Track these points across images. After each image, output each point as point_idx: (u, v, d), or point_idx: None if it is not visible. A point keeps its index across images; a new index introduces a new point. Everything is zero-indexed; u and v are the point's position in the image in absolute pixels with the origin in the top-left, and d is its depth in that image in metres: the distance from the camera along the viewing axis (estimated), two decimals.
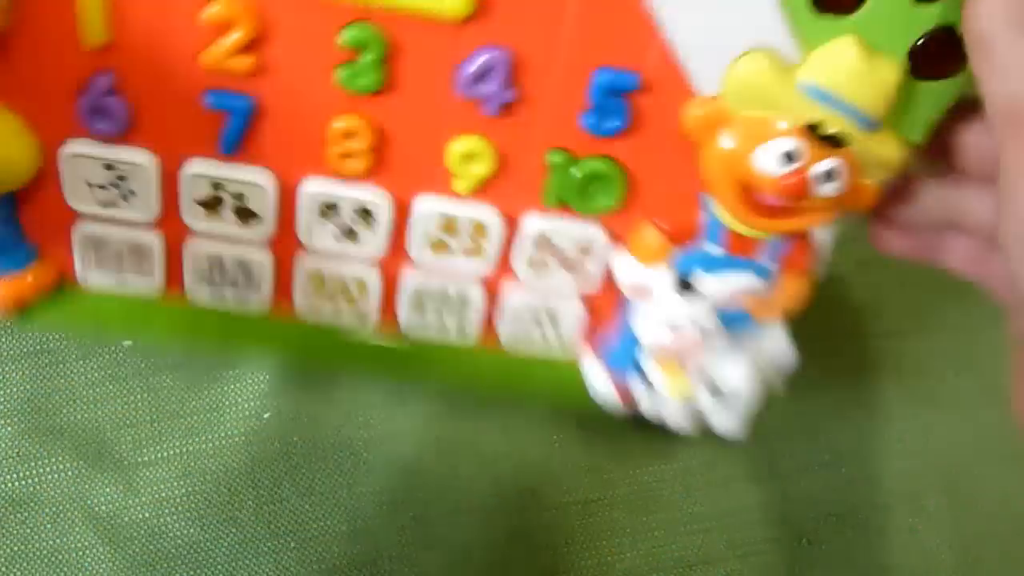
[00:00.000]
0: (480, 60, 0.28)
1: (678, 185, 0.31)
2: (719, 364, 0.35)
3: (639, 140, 0.30)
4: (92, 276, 0.34)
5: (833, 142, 0.28)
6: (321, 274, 0.34)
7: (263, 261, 0.33)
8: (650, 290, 0.33)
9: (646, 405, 0.36)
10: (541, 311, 0.35)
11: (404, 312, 0.35)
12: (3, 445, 0.38)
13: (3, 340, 0.44)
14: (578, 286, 0.34)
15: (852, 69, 0.27)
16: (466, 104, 0.29)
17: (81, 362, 0.44)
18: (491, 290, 0.34)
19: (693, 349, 0.34)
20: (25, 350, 0.44)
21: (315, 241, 0.33)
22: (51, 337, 0.46)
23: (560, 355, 0.36)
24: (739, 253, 0.32)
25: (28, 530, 0.38)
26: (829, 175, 0.29)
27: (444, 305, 0.35)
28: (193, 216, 0.32)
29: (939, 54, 0.28)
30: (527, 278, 0.34)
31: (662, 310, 0.33)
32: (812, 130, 0.28)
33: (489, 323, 0.36)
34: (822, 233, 0.32)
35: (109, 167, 0.30)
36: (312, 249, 0.33)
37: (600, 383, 0.36)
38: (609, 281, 0.34)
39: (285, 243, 0.33)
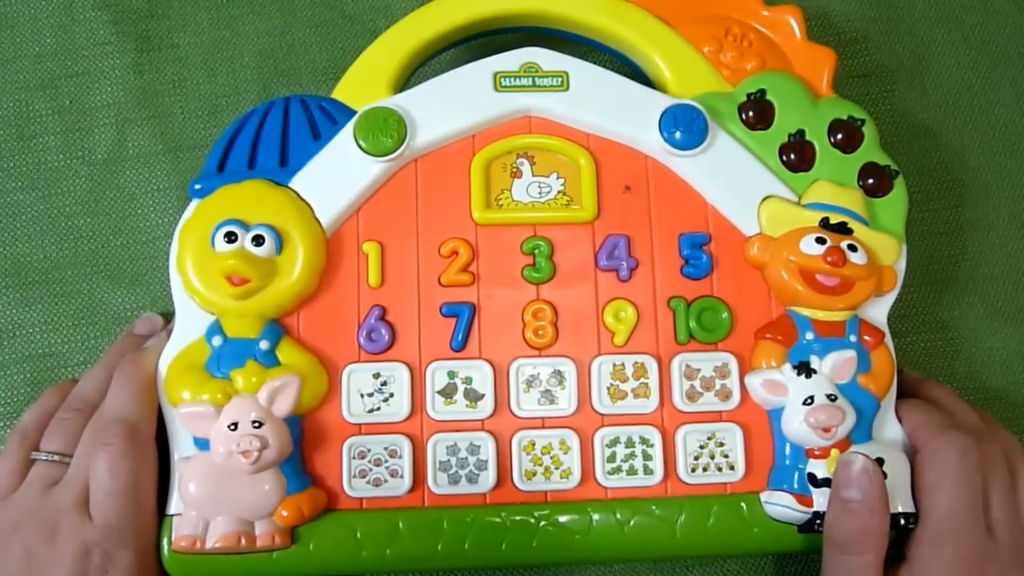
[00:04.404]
0: (609, 243, 0.45)
1: (763, 300, 0.45)
2: (865, 448, 0.42)
3: (723, 276, 0.45)
4: (355, 485, 0.42)
5: (843, 229, 0.44)
6: (532, 439, 0.43)
7: (487, 440, 0.43)
8: (782, 384, 0.43)
9: (822, 501, 0.42)
10: (707, 440, 0.44)
11: (599, 464, 0.43)
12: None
13: (5, 343, 0.47)
14: (728, 408, 0.44)
15: (833, 190, 0.45)
16: (607, 275, 0.45)
17: (82, 366, 0.47)
18: (663, 430, 0.43)
19: (834, 417, 0.42)
20: (27, 353, 0.46)
21: (523, 408, 0.43)
22: (53, 340, 0.50)
23: (733, 481, 0.43)
24: (829, 335, 0.44)
25: None
26: (852, 247, 0.44)
27: (630, 448, 0.43)
28: (434, 407, 0.43)
29: (876, 181, 0.46)
30: (686, 408, 0.44)
31: (796, 397, 0.43)
32: (826, 225, 0.44)
33: (668, 461, 0.43)
34: (877, 313, 0.45)
35: (376, 375, 0.43)
36: (521, 416, 0.43)
37: (777, 498, 0.43)
38: (752, 405, 0.44)
39: (502, 419, 0.43)
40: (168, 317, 0.48)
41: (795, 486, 0.43)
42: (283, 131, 0.45)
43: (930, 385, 0.48)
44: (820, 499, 0.42)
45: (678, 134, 0.45)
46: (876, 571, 0.40)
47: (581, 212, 0.45)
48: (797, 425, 0.42)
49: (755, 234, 0.45)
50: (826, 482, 0.42)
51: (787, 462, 0.43)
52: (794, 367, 0.43)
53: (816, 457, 0.42)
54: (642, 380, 0.44)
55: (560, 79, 0.45)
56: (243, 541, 0.40)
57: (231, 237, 0.42)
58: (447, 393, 0.43)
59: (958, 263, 0.54)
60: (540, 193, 0.45)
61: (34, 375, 0.50)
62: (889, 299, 0.45)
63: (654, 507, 0.43)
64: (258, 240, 0.42)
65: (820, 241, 0.44)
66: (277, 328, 0.43)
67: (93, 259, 0.52)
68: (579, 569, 0.49)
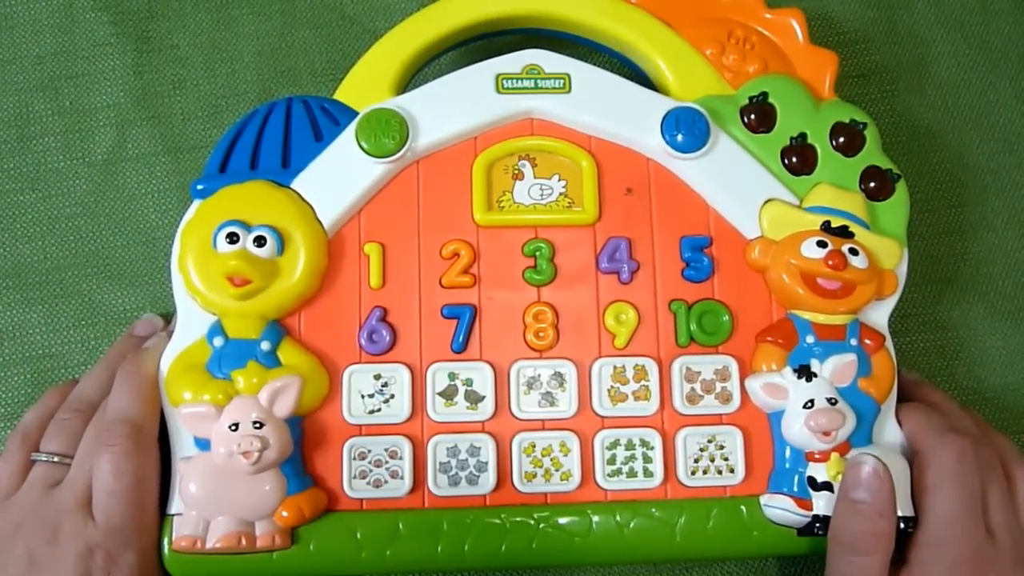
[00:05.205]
0: (610, 245, 0.45)
1: (764, 303, 0.45)
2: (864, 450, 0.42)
3: (725, 279, 0.45)
4: (356, 486, 0.42)
5: (844, 233, 0.44)
6: (532, 441, 0.43)
7: (487, 442, 0.43)
8: (783, 387, 0.43)
9: (821, 505, 0.42)
10: (707, 442, 0.44)
11: (599, 466, 0.43)
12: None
13: (5, 344, 0.48)
14: (728, 411, 0.44)
15: (834, 194, 0.45)
16: (608, 277, 0.45)
17: (82, 367, 0.48)
18: (663, 432, 0.44)
19: (834, 420, 0.42)
20: (28, 354, 0.48)
21: (524, 410, 0.43)
22: (54, 341, 0.50)
23: (732, 484, 0.43)
24: (830, 339, 0.44)
25: None
26: (854, 251, 0.44)
27: (630, 451, 0.43)
28: (435, 408, 0.43)
29: (877, 184, 0.46)
30: (686, 411, 0.44)
31: (797, 400, 0.43)
32: (827, 228, 0.44)
33: (668, 464, 0.43)
34: (878, 316, 0.45)
35: (377, 376, 0.43)
36: (522, 418, 0.43)
37: (777, 501, 0.43)
38: (753, 408, 0.44)
39: (503, 420, 0.43)
40: (168, 318, 0.49)
41: (795, 489, 0.43)
42: (285, 132, 0.45)
43: (927, 388, 0.48)
44: (820, 502, 0.42)
45: (680, 137, 0.45)
46: (882, 572, 0.40)
47: (582, 214, 0.45)
48: (797, 429, 0.42)
49: (756, 237, 0.45)
50: (826, 485, 0.42)
51: (787, 465, 0.43)
52: (795, 370, 0.43)
53: (816, 461, 0.42)
54: (643, 383, 0.44)
55: (562, 81, 0.45)
56: (243, 541, 0.40)
57: (233, 238, 0.42)
58: (448, 394, 0.43)
59: (958, 263, 0.54)
60: (542, 195, 0.45)
61: (35, 376, 0.50)
62: (890, 303, 0.45)
63: (654, 509, 0.43)
64: (260, 241, 0.42)
65: (821, 245, 0.44)
66: (278, 329, 0.43)
67: (93, 260, 0.52)
68: (579, 571, 0.49)
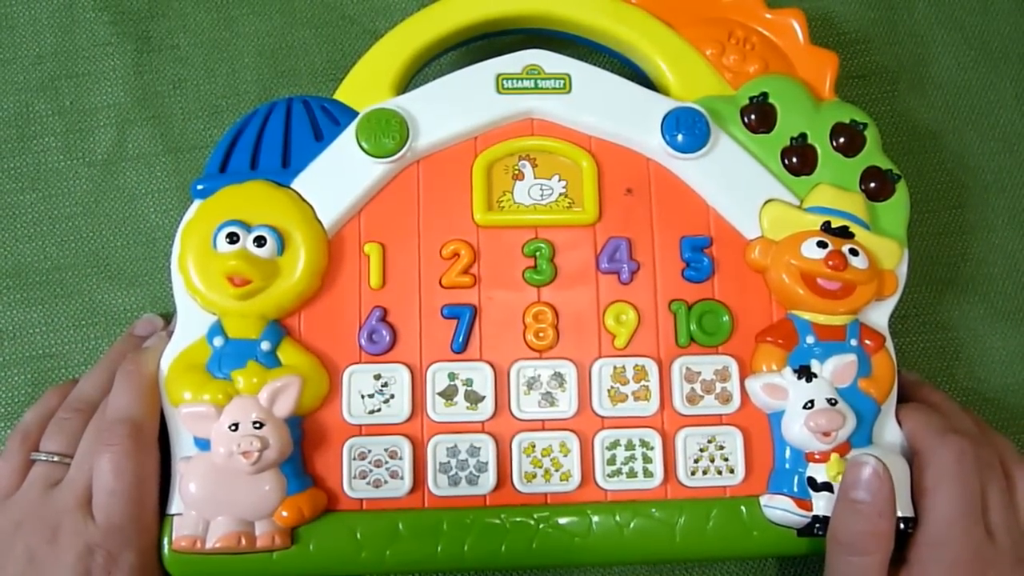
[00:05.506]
0: (610, 245, 0.45)
1: (764, 304, 0.45)
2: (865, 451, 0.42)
3: (725, 279, 0.45)
4: (356, 486, 0.42)
5: (844, 233, 0.44)
6: (532, 442, 0.43)
7: (487, 442, 0.43)
8: (783, 388, 0.43)
9: (821, 505, 0.42)
10: (707, 443, 0.44)
11: (599, 466, 0.43)
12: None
13: (5, 344, 0.48)
14: (728, 411, 0.44)
15: (835, 194, 0.45)
16: (608, 277, 0.45)
17: (83, 367, 0.48)
18: (663, 433, 0.44)
19: (834, 421, 0.42)
20: (28, 354, 0.48)
21: (524, 411, 0.43)
22: (54, 341, 0.50)
23: (732, 485, 0.43)
24: (830, 339, 0.44)
25: None
26: (854, 251, 0.44)
27: (630, 451, 0.43)
28: (435, 408, 0.43)
29: (878, 185, 0.46)
30: (686, 411, 0.44)
31: (797, 400, 0.43)
32: (827, 228, 0.44)
33: (668, 464, 0.43)
34: (878, 317, 0.45)
35: (377, 376, 0.43)
36: (522, 418, 0.43)
37: (777, 502, 0.43)
38: (753, 409, 0.44)
39: (503, 421, 0.43)
40: (168, 318, 0.49)
41: (795, 490, 0.43)
42: (285, 132, 0.45)
43: (927, 389, 0.48)
44: (819, 503, 0.42)
45: (680, 137, 0.45)
46: (881, 572, 0.40)
47: (583, 214, 0.45)
48: (797, 429, 0.42)
49: (756, 237, 0.45)
50: (826, 486, 0.42)
51: (787, 466, 0.43)
52: (795, 371, 0.43)
53: (816, 461, 0.42)
54: (642, 383, 0.44)
55: (562, 81, 0.45)
56: (243, 541, 0.40)
57: (233, 238, 0.42)
58: (448, 395, 0.43)
59: (958, 263, 0.54)
60: (542, 195, 0.45)
61: (35, 376, 0.50)
62: (890, 303, 0.45)
63: (654, 510, 0.43)
64: (260, 241, 0.42)
65: (821, 245, 0.44)
66: (278, 329, 0.43)
67: (93, 260, 0.52)
68: (579, 571, 0.49)
